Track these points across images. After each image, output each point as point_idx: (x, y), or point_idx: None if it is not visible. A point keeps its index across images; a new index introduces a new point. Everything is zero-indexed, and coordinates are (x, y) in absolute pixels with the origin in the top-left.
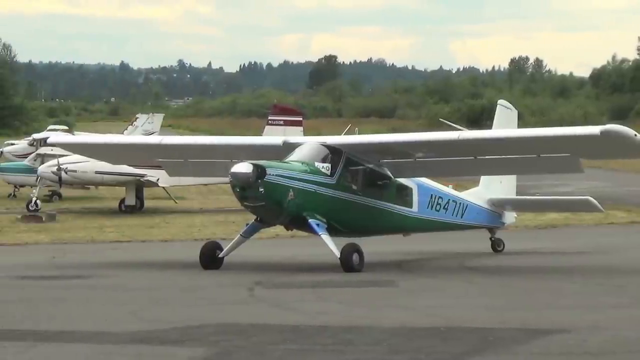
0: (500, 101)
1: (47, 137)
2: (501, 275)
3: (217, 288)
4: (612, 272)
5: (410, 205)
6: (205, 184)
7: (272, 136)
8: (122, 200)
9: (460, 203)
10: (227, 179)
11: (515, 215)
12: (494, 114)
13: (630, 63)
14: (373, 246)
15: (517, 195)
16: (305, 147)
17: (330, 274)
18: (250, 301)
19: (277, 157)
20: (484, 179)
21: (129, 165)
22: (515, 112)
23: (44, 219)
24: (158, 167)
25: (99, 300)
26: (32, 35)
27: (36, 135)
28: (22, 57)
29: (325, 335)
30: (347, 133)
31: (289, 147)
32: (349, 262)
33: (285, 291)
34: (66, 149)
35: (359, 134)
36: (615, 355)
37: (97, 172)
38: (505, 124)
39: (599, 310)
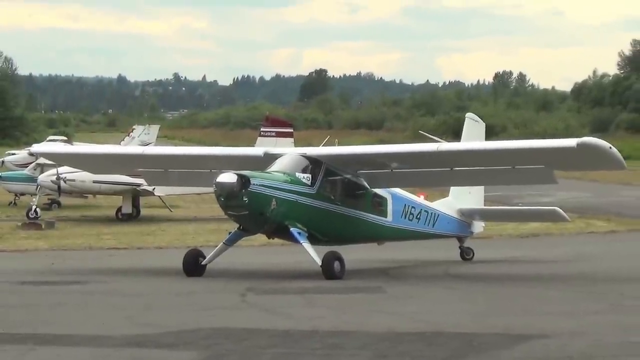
0: (468, 114)
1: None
2: (484, 282)
3: (210, 294)
4: (593, 280)
5: (385, 215)
6: (199, 193)
7: (254, 147)
8: (119, 209)
9: (431, 213)
10: (211, 189)
11: (483, 225)
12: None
13: (611, 78)
14: (354, 254)
15: (487, 206)
16: (286, 158)
17: (318, 281)
18: (242, 306)
19: (258, 168)
20: (453, 189)
21: (122, 175)
22: (482, 125)
23: (43, 226)
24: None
25: (96, 305)
26: (33, 49)
27: (35, 147)
28: (22, 70)
29: (314, 340)
30: (327, 144)
31: (270, 158)
32: (331, 270)
33: (276, 297)
34: (48, 159)
35: (338, 145)
36: (596, 359)
37: (94, 182)
38: (473, 136)
39: (579, 316)
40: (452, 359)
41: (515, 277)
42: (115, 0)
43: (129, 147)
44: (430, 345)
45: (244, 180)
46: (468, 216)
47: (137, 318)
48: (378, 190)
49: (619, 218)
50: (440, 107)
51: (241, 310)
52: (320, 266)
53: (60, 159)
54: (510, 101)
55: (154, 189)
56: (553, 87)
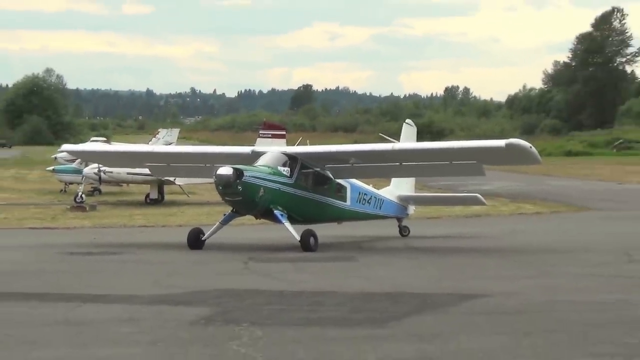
0: (407, 120)
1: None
2: (438, 253)
3: (219, 262)
4: (523, 251)
5: (345, 200)
6: (212, 182)
7: (242, 146)
8: (148, 195)
9: (379, 198)
10: (209, 179)
11: (414, 208)
12: (401, 130)
13: (537, 90)
14: (326, 231)
15: (418, 193)
16: (269, 155)
17: (304, 253)
18: (245, 272)
19: (247, 163)
20: (394, 180)
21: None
22: (415, 128)
23: (87, 209)
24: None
25: (129, 271)
26: (79, 68)
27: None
28: (70, 85)
29: (302, 298)
30: (300, 144)
31: (256, 155)
32: (307, 244)
33: (271, 265)
34: (76, 156)
35: (309, 144)
36: (526, 313)
37: (128, 173)
38: (409, 137)
39: (513, 280)
40: (411, 314)
41: (461, 249)
42: (144, 30)
43: (138, 145)
44: (394, 303)
45: (238, 173)
46: (405, 201)
47: (162, 281)
48: (340, 181)
49: (543, 202)
50: (401, 114)
51: (244, 275)
52: (299, 241)
53: (84, 157)
54: (457, 110)
55: (175, 179)
56: (491, 98)
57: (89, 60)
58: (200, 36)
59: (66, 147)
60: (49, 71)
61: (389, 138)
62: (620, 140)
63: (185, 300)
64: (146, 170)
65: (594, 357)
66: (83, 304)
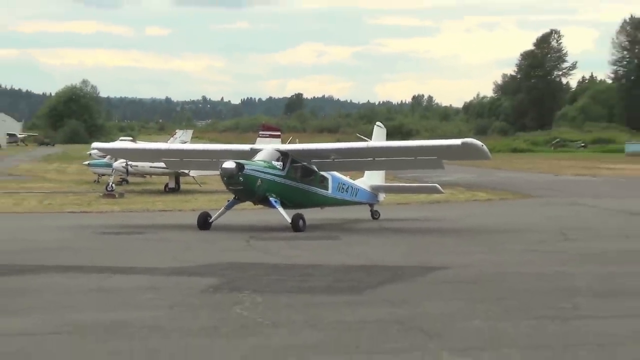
0: (377, 123)
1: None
2: (407, 233)
3: (226, 240)
4: (477, 231)
5: (327, 189)
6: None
7: (243, 144)
8: (167, 185)
9: (355, 188)
10: (215, 171)
11: (384, 196)
12: (372, 131)
13: (488, 98)
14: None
15: (387, 183)
16: (265, 151)
17: (295, 232)
18: (247, 248)
19: (246, 158)
20: (367, 172)
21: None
22: (384, 129)
23: (116, 196)
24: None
25: (151, 248)
26: (110, 79)
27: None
28: (103, 94)
29: (294, 270)
30: (291, 142)
31: (254, 151)
32: (297, 225)
33: (269, 242)
34: (104, 153)
35: (298, 142)
36: (480, 283)
37: (150, 167)
38: (379, 137)
39: (468, 255)
40: (384, 283)
41: (426, 229)
42: (163, 48)
43: (156, 144)
44: (370, 274)
45: (240, 166)
46: (376, 190)
47: (179, 256)
48: (323, 173)
49: (493, 191)
50: (376, 118)
51: (246, 251)
52: (290, 223)
53: (111, 153)
54: (422, 114)
55: (189, 172)
56: (451, 105)
57: (118, 73)
58: (210, 54)
59: (95, 144)
60: (85, 82)
61: (364, 138)
62: (557, 140)
63: (197, 272)
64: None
65: (537, 319)
66: (113, 275)
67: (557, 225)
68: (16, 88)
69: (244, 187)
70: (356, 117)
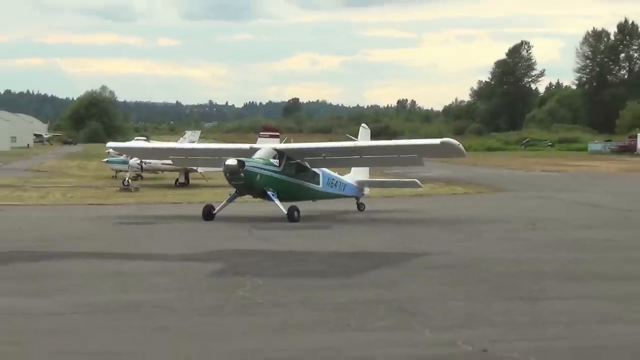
0: (362, 124)
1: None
2: (392, 223)
3: (229, 230)
4: (455, 221)
5: (319, 184)
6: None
7: (242, 144)
8: (177, 180)
9: (343, 182)
10: (219, 168)
11: (369, 190)
12: (358, 131)
13: (466, 102)
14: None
15: (371, 178)
16: (263, 150)
17: (291, 222)
18: (248, 237)
19: (246, 156)
20: (353, 168)
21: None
22: (369, 130)
23: (132, 190)
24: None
25: (163, 236)
26: (126, 84)
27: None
28: (120, 98)
29: (291, 256)
30: (286, 142)
31: (253, 150)
32: (292, 216)
33: (268, 231)
34: (119, 151)
35: (292, 142)
36: (458, 267)
37: (162, 164)
38: (364, 137)
39: (447, 243)
40: (371, 268)
41: (409, 220)
42: (174, 57)
43: (165, 143)
44: (360, 260)
45: (241, 163)
46: (362, 184)
47: (188, 243)
48: (315, 169)
49: (470, 185)
50: (365, 120)
51: (248, 239)
52: (286, 214)
53: (124, 151)
54: (406, 117)
55: (197, 168)
56: (432, 108)
57: (133, 79)
58: (216, 62)
59: (110, 144)
60: (104, 88)
61: (353, 138)
62: (527, 139)
63: (204, 258)
64: None
65: (509, 300)
66: (128, 261)
67: (527, 216)
68: (42, 93)
69: (244, 182)
70: (347, 120)
